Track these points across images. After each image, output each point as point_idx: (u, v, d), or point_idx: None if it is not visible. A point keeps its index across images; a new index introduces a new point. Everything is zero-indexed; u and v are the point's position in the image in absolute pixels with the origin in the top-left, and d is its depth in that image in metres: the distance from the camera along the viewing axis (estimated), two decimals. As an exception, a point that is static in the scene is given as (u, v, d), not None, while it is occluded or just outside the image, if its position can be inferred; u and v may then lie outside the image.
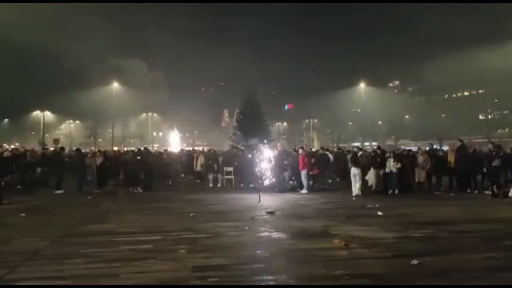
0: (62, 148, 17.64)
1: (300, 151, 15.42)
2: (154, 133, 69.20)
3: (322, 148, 19.78)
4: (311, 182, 14.81)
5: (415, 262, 5.54)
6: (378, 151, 15.32)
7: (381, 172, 14.01)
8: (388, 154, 14.58)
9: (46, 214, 9.99)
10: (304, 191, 14.28)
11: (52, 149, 21.47)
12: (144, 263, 5.62)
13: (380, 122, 56.68)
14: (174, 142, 45.15)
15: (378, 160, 14.28)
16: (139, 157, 15.04)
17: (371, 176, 14.29)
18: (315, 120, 66.90)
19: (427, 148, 16.59)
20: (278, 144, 20.85)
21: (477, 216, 9.35)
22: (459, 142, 15.03)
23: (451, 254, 6.09)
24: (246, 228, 7.98)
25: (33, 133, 58.87)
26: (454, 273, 5.19)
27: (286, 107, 74.44)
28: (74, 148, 22.34)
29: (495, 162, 12.03)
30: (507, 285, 4.87)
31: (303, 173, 14.51)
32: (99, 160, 15.47)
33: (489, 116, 54.54)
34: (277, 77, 60.72)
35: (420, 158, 14.52)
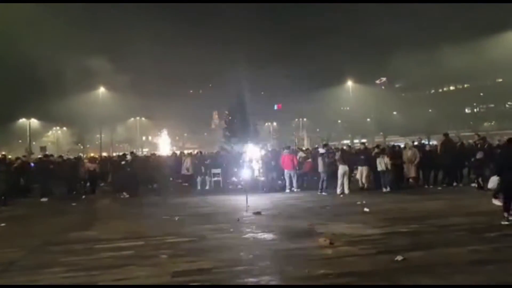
0: (47, 155, 17.33)
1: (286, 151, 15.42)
2: (143, 138, 68.66)
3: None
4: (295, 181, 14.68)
5: (399, 258, 5.48)
6: (361, 148, 15.27)
7: (365, 168, 13.93)
8: (377, 150, 14.49)
9: (28, 223, 9.78)
10: (287, 190, 14.30)
11: (39, 156, 21.07)
12: (123, 269, 5.47)
13: (368, 119, 56.92)
14: (163, 145, 44.85)
15: (363, 157, 14.16)
16: (123, 162, 14.84)
17: (360, 173, 14.25)
18: (305, 120, 67.00)
19: (415, 143, 16.54)
20: (268, 145, 20.83)
21: (462, 209, 9.34)
22: (443, 136, 15.07)
23: (436, 249, 6.04)
24: (231, 230, 7.86)
25: (20, 141, 57.97)
26: (438, 267, 5.13)
27: (275, 107, 74.33)
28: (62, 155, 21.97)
29: (479, 155, 12.07)
30: (487, 285, 4.81)
31: (286, 172, 14.47)
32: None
33: (475, 110, 55.19)
34: (266, 77, 60.58)
35: (409, 153, 14.36)
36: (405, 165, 14.20)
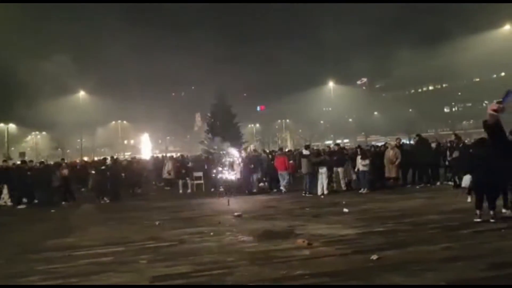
0: (24, 162, 17.01)
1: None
2: (125, 141, 67.79)
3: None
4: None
5: (374, 257, 5.62)
6: (332, 148, 15.45)
7: (340, 169, 14.11)
8: (353, 151, 14.66)
9: (4, 231, 9.59)
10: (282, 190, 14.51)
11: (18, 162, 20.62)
12: (102, 276, 5.46)
13: (350, 120, 57.66)
14: (145, 148, 44.42)
15: (336, 158, 14.25)
16: (103, 167, 14.69)
17: (340, 174, 14.40)
18: (288, 121, 67.35)
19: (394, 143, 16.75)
20: (251, 146, 20.91)
21: (438, 207, 9.58)
22: (416, 136, 15.44)
23: (410, 247, 6.22)
24: (212, 233, 7.90)
25: (-3, 147, 56.57)
26: (411, 265, 5.29)
27: (258, 108, 74.45)
28: (40, 161, 21.58)
29: (455, 154, 12.39)
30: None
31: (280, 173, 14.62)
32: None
33: (453, 109, 56.61)
34: (248, 79, 60.71)
35: (390, 153, 14.44)
36: (386, 164, 14.37)
